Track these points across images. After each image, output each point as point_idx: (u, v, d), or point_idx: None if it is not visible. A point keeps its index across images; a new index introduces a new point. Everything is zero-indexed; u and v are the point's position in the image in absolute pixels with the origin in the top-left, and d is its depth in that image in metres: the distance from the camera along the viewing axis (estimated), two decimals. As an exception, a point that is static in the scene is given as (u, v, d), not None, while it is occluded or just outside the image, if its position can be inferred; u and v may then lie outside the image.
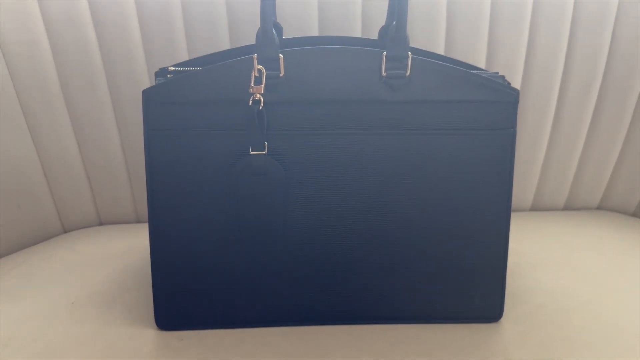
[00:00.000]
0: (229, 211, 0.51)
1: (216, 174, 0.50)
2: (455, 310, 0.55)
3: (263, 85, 0.47)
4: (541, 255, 0.68)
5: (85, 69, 0.69)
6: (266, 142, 0.49)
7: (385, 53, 0.49)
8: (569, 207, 0.85)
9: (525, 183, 0.82)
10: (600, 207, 0.85)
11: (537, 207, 0.85)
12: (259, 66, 0.48)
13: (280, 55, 0.48)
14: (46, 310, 0.55)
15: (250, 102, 0.48)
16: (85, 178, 0.75)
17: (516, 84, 0.75)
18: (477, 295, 0.54)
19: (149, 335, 0.51)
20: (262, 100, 0.48)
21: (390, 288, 0.54)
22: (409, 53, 0.49)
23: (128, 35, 0.69)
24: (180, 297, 0.53)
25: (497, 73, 0.56)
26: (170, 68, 0.53)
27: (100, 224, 0.79)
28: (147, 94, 0.49)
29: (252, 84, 0.47)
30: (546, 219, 0.80)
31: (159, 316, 0.53)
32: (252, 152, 0.49)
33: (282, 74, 0.48)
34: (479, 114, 0.50)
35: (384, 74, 0.49)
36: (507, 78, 0.56)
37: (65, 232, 0.77)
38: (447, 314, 0.55)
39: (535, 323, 0.54)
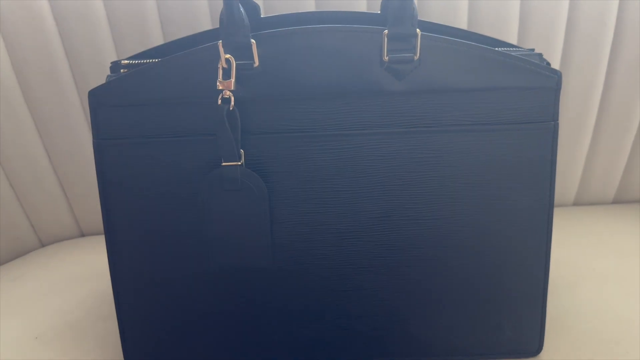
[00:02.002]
0: (200, 235, 0.42)
1: (182, 191, 0.42)
2: (482, 345, 0.46)
3: (233, 80, 0.39)
4: (583, 264, 0.60)
5: (48, 72, 0.63)
6: (242, 150, 0.41)
7: (386, 31, 0.39)
8: (580, 202, 0.79)
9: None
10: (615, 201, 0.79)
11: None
12: (227, 55, 0.39)
13: (253, 40, 0.39)
14: (5, 348, 0.49)
15: (219, 100, 0.39)
16: (59, 187, 0.69)
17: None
18: (510, 326, 0.45)
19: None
20: (232, 98, 0.39)
21: (400, 321, 0.45)
22: (418, 30, 0.39)
23: (94, 28, 0.62)
24: (150, 330, 0.45)
25: (533, 50, 0.45)
26: (123, 62, 0.44)
27: (82, 235, 0.74)
28: (94, 95, 0.41)
29: (219, 78, 0.39)
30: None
31: (127, 352, 0.46)
32: (224, 164, 0.40)
33: (256, 64, 0.39)
34: (510, 105, 0.41)
35: (385, 58, 0.39)
36: (545, 56, 0.47)
37: (43, 245, 0.72)
38: (472, 349, 0.46)
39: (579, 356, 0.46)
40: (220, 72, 0.39)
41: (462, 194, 0.42)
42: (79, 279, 0.60)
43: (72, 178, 0.69)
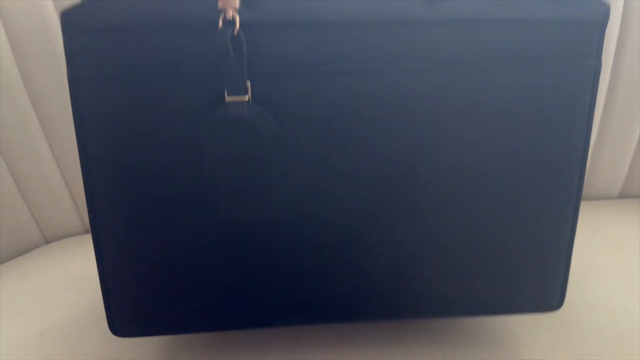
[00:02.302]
0: (196, 186, 0.36)
1: (175, 134, 0.35)
2: (505, 300, 0.42)
3: None
4: (591, 259, 0.58)
5: (52, 68, 0.62)
6: (249, 82, 0.34)
7: None
8: (586, 197, 0.77)
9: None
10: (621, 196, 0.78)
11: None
12: None
13: None
14: (11, 344, 0.49)
15: (220, 22, 0.32)
16: (63, 184, 0.69)
17: None
18: (533, 281, 0.42)
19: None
20: (237, 19, 0.32)
21: (420, 278, 0.41)
22: None
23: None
24: (138, 295, 0.40)
25: None
26: None
27: (86, 231, 0.74)
28: (67, 17, 0.33)
29: None
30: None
31: (113, 321, 0.41)
32: (228, 99, 0.33)
33: None
34: (550, 38, 0.35)
35: None
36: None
37: (47, 242, 0.72)
38: (495, 305, 0.43)
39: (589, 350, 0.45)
40: None
41: (491, 138, 0.37)
42: (83, 276, 0.60)
43: (76, 174, 0.68)
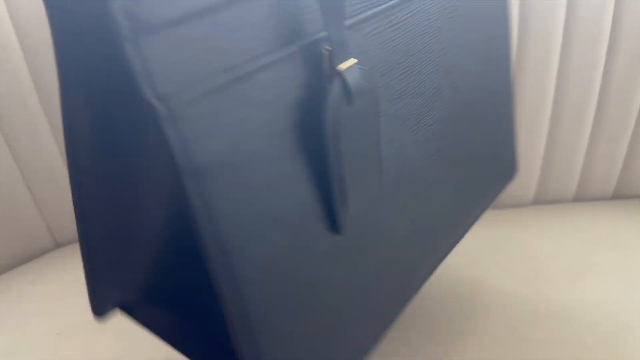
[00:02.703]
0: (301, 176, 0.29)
1: (285, 125, 0.27)
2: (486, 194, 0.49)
3: None
4: (584, 258, 0.61)
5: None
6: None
7: None
8: (580, 198, 0.79)
9: (527, 176, 0.75)
10: (614, 197, 0.79)
11: (542, 200, 0.78)
12: None
13: None
14: (29, 344, 0.51)
15: None
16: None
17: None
18: (494, 162, 0.50)
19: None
20: None
21: (453, 209, 0.44)
22: None
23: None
24: (122, 278, 0.36)
25: None
26: None
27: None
28: (129, 17, 0.21)
29: None
30: (556, 213, 0.74)
31: (95, 304, 0.38)
32: (341, 66, 0.28)
33: None
34: None
35: None
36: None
37: (58, 246, 0.74)
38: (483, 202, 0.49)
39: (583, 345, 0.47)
40: None
41: (487, 46, 0.45)
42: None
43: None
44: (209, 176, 0.23)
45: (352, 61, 0.28)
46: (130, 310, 0.38)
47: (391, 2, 0.33)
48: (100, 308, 0.38)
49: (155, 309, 0.37)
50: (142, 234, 0.32)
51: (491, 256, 0.61)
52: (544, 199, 0.78)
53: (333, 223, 0.30)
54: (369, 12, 0.31)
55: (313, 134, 0.28)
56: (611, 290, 0.55)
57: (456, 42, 0.40)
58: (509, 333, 0.49)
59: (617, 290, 0.55)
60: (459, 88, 0.41)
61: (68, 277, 0.63)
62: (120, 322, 0.52)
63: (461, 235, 0.46)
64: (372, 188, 0.32)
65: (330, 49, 0.27)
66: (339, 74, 0.28)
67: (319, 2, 0.27)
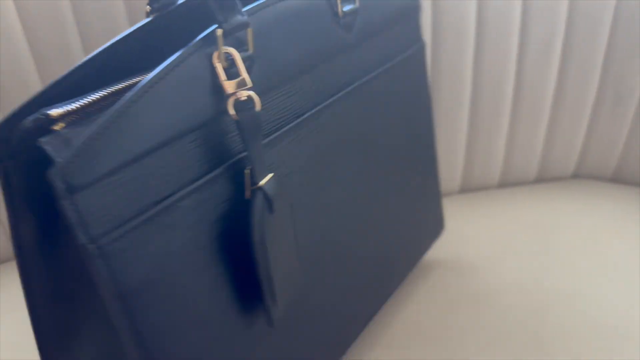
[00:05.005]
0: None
1: (215, 246, 0.30)
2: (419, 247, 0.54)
3: (245, 75, 0.29)
4: (510, 242, 0.61)
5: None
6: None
7: None
8: (541, 178, 0.78)
9: (489, 158, 0.75)
10: (575, 175, 0.79)
11: (505, 183, 0.78)
12: (227, 49, 0.28)
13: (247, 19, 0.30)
14: (12, 340, 0.51)
15: (232, 109, 0.29)
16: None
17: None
18: (426, 220, 0.54)
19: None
20: (254, 96, 0.29)
21: (379, 272, 0.47)
22: None
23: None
24: None
25: None
26: (52, 113, 0.25)
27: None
28: (64, 178, 0.23)
29: (222, 78, 0.28)
30: (515, 196, 0.74)
31: None
32: (261, 183, 0.30)
33: (250, 50, 0.30)
34: (401, 34, 0.46)
35: (340, 12, 0.37)
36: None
37: None
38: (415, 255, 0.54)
39: (504, 327, 0.48)
40: (221, 71, 0.29)
41: (404, 117, 0.48)
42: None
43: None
44: (134, 296, 0.26)
45: (269, 176, 0.31)
46: None
47: (304, 116, 0.36)
48: None
49: None
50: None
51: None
52: (506, 183, 0.78)
53: (268, 319, 0.33)
54: (285, 128, 0.34)
55: (238, 242, 0.31)
56: (533, 270, 0.56)
57: (378, 128, 0.44)
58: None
59: (539, 270, 0.56)
60: (383, 168, 0.45)
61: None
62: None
63: (395, 286, 0.51)
64: (296, 281, 0.35)
65: (250, 168, 0.30)
66: (260, 188, 0.30)
67: (237, 128, 0.29)
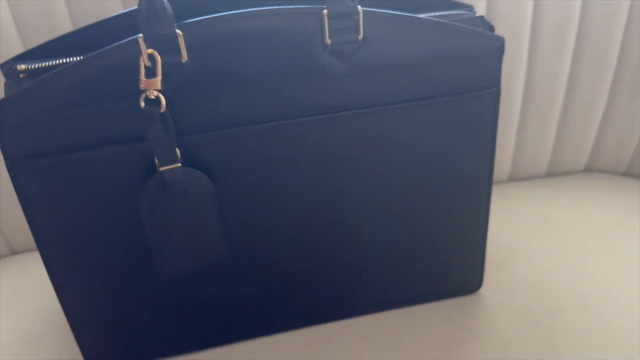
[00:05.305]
0: (141, 248, 0.40)
1: (114, 203, 0.38)
2: (432, 290, 0.50)
3: (159, 78, 0.34)
4: (520, 239, 0.60)
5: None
6: (178, 150, 0.36)
7: (326, 11, 0.36)
8: (553, 172, 0.77)
9: (499, 151, 0.73)
10: (587, 169, 0.78)
11: (515, 177, 0.76)
12: (149, 51, 0.33)
13: (179, 31, 0.34)
14: None
15: (142, 102, 0.34)
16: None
17: None
18: (455, 272, 0.49)
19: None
20: (162, 98, 0.34)
21: (358, 285, 0.47)
22: (359, 7, 0.36)
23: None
24: (105, 336, 0.45)
25: (473, 10, 0.43)
26: (19, 67, 0.36)
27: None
28: (2, 110, 0.34)
29: (142, 77, 0.34)
30: (525, 190, 0.73)
31: (86, 355, 0.45)
32: (162, 168, 0.36)
33: (184, 59, 0.35)
34: (453, 74, 0.39)
35: (328, 41, 0.36)
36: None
37: (14, 253, 0.72)
38: (423, 296, 0.50)
39: (515, 329, 0.47)
40: (143, 70, 0.34)
41: (412, 164, 0.42)
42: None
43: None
44: (39, 210, 0.39)
45: (175, 165, 0.36)
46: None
47: (262, 125, 0.38)
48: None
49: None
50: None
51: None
52: (516, 176, 0.76)
53: (158, 271, 0.39)
54: (230, 130, 0.38)
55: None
56: (545, 269, 0.55)
57: (379, 163, 0.42)
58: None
59: (552, 270, 0.55)
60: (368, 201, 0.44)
61: (21, 284, 0.61)
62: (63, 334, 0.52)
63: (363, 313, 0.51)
64: (209, 252, 0.40)
65: (157, 155, 0.36)
66: (160, 173, 0.36)
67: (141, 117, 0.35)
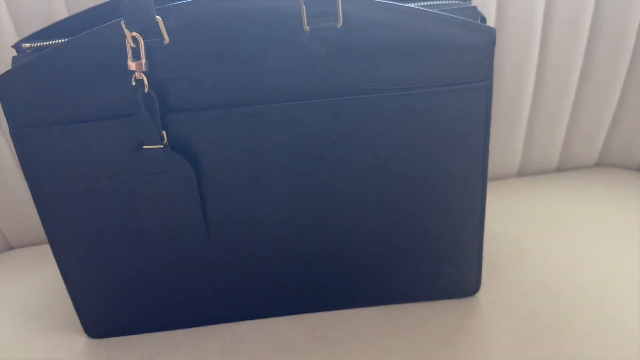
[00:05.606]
0: (130, 216, 0.42)
1: (107, 174, 0.41)
2: (424, 289, 0.48)
3: (144, 61, 0.36)
4: (532, 238, 0.58)
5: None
6: (164, 131, 0.39)
7: None
8: (563, 167, 0.75)
9: (508, 145, 0.71)
10: (599, 164, 0.75)
11: (525, 172, 0.74)
12: (133, 34, 0.36)
13: (158, 17, 0.36)
14: None
15: (133, 82, 0.37)
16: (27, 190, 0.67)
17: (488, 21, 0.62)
18: (449, 271, 0.48)
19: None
20: (145, 79, 0.37)
21: (348, 278, 0.47)
22: None
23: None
24: (103, 305, 0.47)
25: (467, 0, 0.42)
26: (24, 45, 0.40)
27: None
28: (2, 82, 0.38)
29: (129, 59, 0.36)
30: (536, 185, 0.70)
31: (86, 326, 0.48)
32: (145, 147, 0.39)
33: (166, 41, 0.36)
34: (443, 65, 0.38)
35: (306, 27, 0.36)
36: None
37: (11, 248, 0.71)
38: (415, 294, 0.49)
39: (528, 330, 0.45)
40: (129, 51, 0.36)
41: (400, 156, 0.41)
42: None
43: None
44: (38, 178, 0.42)
45: (159, 146, 0.38)
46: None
47: (246, 107, 0.39)
48: (94, 330, 0.49)
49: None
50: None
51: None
52: (526, 171, 0.74)
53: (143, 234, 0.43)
54: (215, 111, 0.39)
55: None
56: (557, 268, 0.53)
57: (364, 151, 0.41)
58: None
59: (563, 268, 0.53)
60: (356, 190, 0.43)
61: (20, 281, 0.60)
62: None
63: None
64: (189, 229, 0.43)
65: (141, 134, 0.38)
66: (142, 150, 0.39)
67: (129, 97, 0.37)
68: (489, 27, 0.38)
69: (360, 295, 0.48)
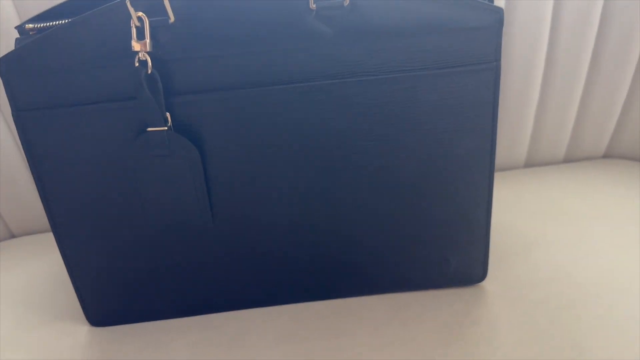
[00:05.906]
0: (134, 201, 0.42)
1: (110, 158, 0.40)
2: (431, 277, 0.48)
3: (148, 40, 0.36)
4: (539, 230, 0.57)
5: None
6: (168, 113, 0.38)
7: None
8: (571, 158, 0.74)
9: (516, 136, 0.70)
10: (607, 155, 0.74)
11: (532, 163, 0.74)
12: (139, 13, 0.35)
13: None
14: None
15: (136, 62, 0.36)
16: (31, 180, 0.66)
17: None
18: (456, 259, 0.47)
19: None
20: (149, 60, 0.36)
21: (354, 265, 0.46)
22: None
23: None
24: (106, 293, 0.47)
25: None
26: (27, 25, 0.39)
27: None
28: (5, 62, 0.37)
29: (133, 39, 0.36)
30: (544, 176, 0.70)
31: (88, 314, 0.48)
32: (149, 129, 0.38)
33: (172, 20, 0.36)
34: (451, 46, 0.38)
35: (312, 6, 0.36)
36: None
37: (13, 236, 0.70)
38: (422, 282, 0.48)
39: (535, 324, 0.44)
40: (134, 31, 0.36)
41: (406, 140, 0.41)
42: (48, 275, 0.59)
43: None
44: (41, 160, 0.41)
45: (163, 128, 0.38)
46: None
47: (249, 90, 0.38)
48: (96, 319, 0.49)
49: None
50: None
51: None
52: (533, 162, 0.73)
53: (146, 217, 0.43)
54: (217, 93, 0.39)
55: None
56: (564, 261, 0.52)
57: (368, 134, 0.41)
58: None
59: (570, 261, 0.52)
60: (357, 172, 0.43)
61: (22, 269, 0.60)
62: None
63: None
64: (190, 209, 0.42)
65: (145, 115, 0.38)
66: (146, 132, 0.38)
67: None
68: (497, 7, 0.37)
69: (365, 282, 0.48)
